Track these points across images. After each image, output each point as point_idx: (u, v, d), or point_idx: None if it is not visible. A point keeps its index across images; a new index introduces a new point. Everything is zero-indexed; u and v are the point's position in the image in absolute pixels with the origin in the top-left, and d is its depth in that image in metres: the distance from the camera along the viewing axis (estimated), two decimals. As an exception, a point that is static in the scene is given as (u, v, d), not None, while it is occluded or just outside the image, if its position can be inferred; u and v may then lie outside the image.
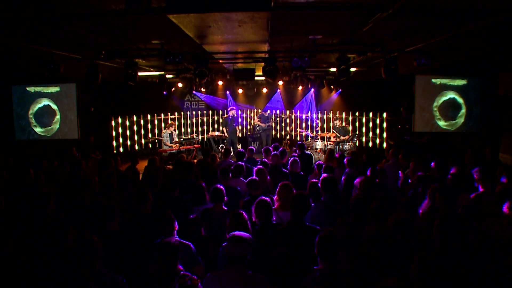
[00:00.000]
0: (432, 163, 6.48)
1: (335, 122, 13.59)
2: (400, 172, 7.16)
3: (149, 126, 14.60)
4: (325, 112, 15.37)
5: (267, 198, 4.25)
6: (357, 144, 13.07)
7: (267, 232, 3.99)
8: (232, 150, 13.45)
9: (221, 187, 4.94)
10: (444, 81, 9.11)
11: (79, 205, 5.08)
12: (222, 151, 9.70)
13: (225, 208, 4.88)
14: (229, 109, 14.11)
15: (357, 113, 14.32)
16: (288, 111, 16.09)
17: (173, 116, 14.95)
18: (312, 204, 4.64)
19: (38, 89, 9.57)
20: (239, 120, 15.52)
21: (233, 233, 3.19)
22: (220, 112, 16.04)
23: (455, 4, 4.93)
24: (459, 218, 3.41)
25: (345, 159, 7.16)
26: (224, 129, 14.19)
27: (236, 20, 5.39)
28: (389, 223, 3.61)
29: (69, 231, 3.76)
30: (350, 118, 14.44)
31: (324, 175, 5.39)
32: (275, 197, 4.95)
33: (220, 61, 9.96)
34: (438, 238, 3.27)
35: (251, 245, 3.15)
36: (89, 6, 4.78)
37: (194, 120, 15.89)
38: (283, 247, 3.45)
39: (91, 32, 6.13)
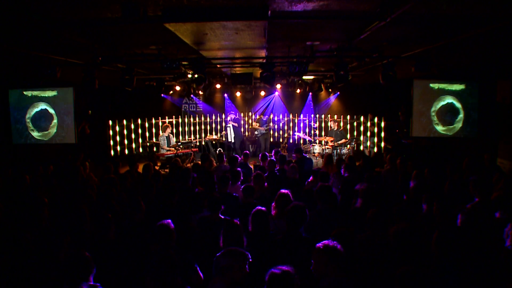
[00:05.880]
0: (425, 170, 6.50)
1: (329, 124, 13.54)
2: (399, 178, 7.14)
3: (147, 129, 14.58)
4: (323, 115, 15.36)
5: (264, 208, 4.22)
6: (355, 148, 13.05)
7: (263, 243, 3.97)
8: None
9: (218, 195, 4.92)
10: (442, 85, 9.08)
11: (76, 213, 5.05)
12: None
13: (222, 217, 4.86)
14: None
15: (355, 117, 14.29)
16: (286, 115, 16.08)
17: (170, 120, 14.92)
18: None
19: (35, 93, 9.51)
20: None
21: (227, 249, 3.18)
22: (218, 116, 16.02)
23: (453, 13, 4.93)
24: (458, 232, 3.41)
25: (343, 165, 7.14)
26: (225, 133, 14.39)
27: (233, 28, 5.37)
28: (390, 233, 3.60)
29: (62, 243, 3.74)
30: (348, 121, 14.42)
31: (319, 183, 5.37)
32: (273, 204, 4.94)
33: (218, 66, 9.94)
34: (436, 252, 3.26)
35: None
36: (85, 14, 4.76)
37: (192, 123, 15.85)
38: (280, 260, 3.43)
39: (87, 39, 6.10)
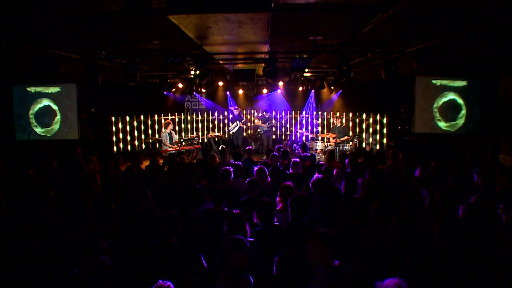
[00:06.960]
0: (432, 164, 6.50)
1: (335, 121, 13.57)
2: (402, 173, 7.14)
3: (149, 126, 14.61)
4: (325, 112, 15.39)
5: (269, 199, 4.25)
6: (357, 145, 13.08)
7: (268, 233, 3.99)
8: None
9: (221, 188, 4.95)
10: (444, 82, 9.08)
11: (80, 206, 5.07)
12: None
13: (225, 209, 4.89)
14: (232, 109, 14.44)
15: (357, 114, 14.31)
16: (288, 112, 16.09)
17: (173, 117, 14.95)
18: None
19: (38, 89, 9.55)
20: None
21: (230, 238, 3.21)
22: (220, 113, 16.05)
23: (455, 6, 4.93)
24: (460, 220, 3.42)
25: (346, 160, 7.17)
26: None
27: (236, 21, 5.38)
28: (393, 223, 3.60)
29: (69, 231, 3.77)
30: (351, 118, 14.44)
31: (316, 176, 5.38)
32: (278, 198, 4.97)
33: (221, 62, 9.95)
34: (438, 240, 3.27)
35: (249, 251, 3.17)
36: (89, 7, 4.78)
37: (194, 120, 15.88)
38: (284, 249, 3.46)
39: (91, 33, 6.12)
